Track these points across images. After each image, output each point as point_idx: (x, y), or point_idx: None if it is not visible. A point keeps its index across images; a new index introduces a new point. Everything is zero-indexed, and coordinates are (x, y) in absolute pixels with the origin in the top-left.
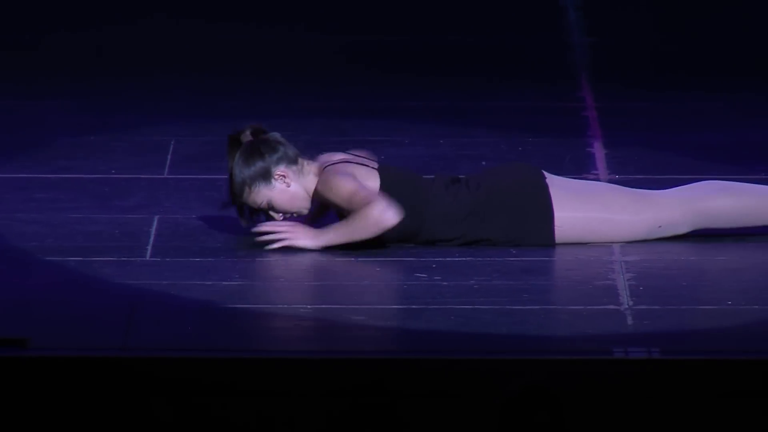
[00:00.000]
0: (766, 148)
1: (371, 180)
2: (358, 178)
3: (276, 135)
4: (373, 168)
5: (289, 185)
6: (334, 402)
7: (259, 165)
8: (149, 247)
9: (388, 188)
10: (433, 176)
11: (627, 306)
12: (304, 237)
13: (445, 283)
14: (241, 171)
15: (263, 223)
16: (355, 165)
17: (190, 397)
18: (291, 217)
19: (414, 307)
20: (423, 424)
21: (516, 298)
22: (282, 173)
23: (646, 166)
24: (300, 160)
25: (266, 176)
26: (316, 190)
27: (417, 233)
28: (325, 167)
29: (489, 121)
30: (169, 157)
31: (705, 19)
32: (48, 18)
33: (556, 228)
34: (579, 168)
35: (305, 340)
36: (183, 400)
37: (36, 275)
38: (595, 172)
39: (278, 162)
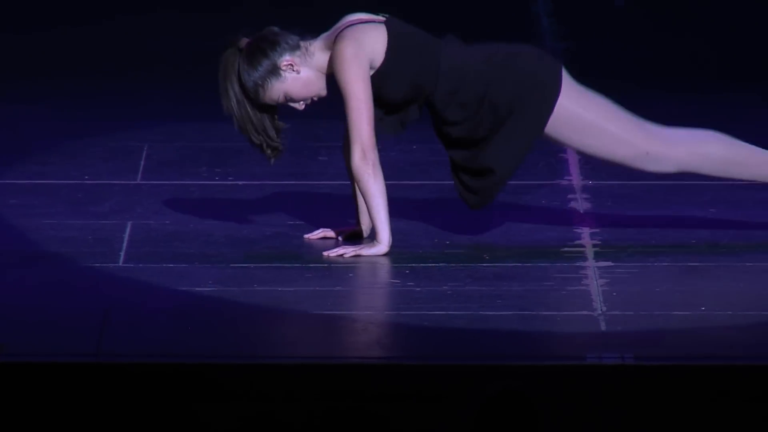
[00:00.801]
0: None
1: (380, 39)
2: (367, 42)
3: (271, 28)
4: (380, 23)
5: (299, 71)
6: (312, 407)
7: (265, 63)
8: (122, 253)
9: (396, 39)
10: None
11: (600, 312)
12: (369, 246)
13: (418, 289)
14: (250, 75)
15: (333, 251)
16: (363, 28)
17: (164, 402)
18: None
19: (387, 313)
20: (399, 428)
21: (489, 304)
22: (288, 62)
23: (620, 172)
24: (302, 43)
25: (275, 71)
26: (329, 65)
27: (428, 86)
28: (336, 40)
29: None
30: (142, 162)
31: (677, 24)
32: (20, 21)
33: (552, 114)
34: (552, 174)
35: (279, 346)
36: (157, 405)
37: (9, 281)
38: (569, 177)
39: (281, 53)
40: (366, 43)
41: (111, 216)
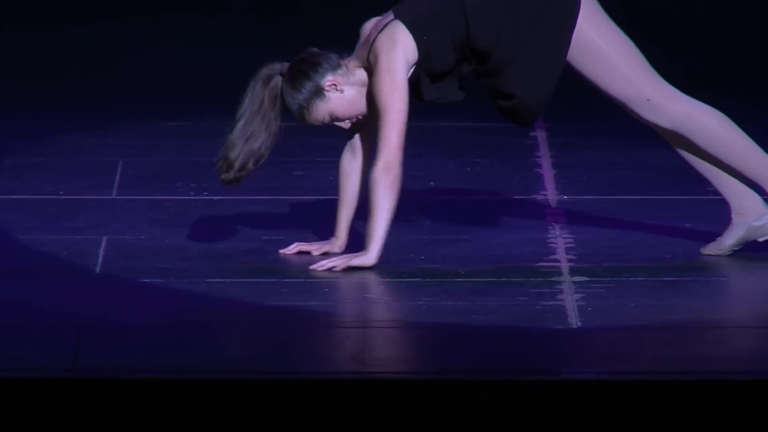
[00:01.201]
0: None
1: (403, 35)
2: (398, 47)
3: (311, 49)
4: (393, 20)
5: (343, 90)
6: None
7: (309, 85)
8: (98, 268)
9: (415, 24)
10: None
11: (575, 326)
12: (358, 259)
13: (394, 304)
14: (294, 98)
15: (318, 265)
16: (388, 35)
17: (139, 418)
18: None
19: (363, 328)
20: None
21: (464, 319)
22: (332, 82)
23: (596, 187)
24: (342, 62)
25: (318, 92)
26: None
27: (464, 36)
28: (370, 54)
29: (437, 141)
30: (117, 177)
31: (653, 37)
32: None
33: (573, 37)
34: (528, 189)
35: (254, 361)
36: (133, 420)
37: None
38: (544, 192)
39: (324, 74)
40: (397, 50)
41: (86, 231)
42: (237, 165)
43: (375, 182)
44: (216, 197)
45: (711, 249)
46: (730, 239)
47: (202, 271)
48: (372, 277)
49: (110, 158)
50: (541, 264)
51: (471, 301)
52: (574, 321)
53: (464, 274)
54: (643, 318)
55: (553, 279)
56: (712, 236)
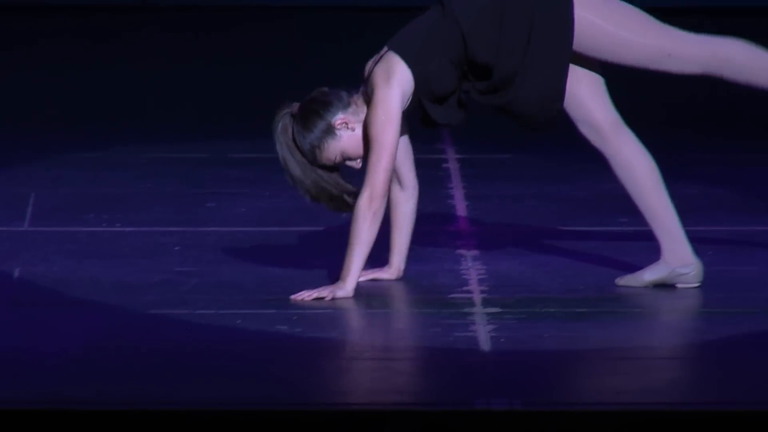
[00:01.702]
0: (627, 199)
1: (399, 68)
2: (395, 79)
3: (321, 89)
4: (388, 53)
5: (354, 128)
6: None
7: (320, 124)
8: (10, 300)
9: (409, 55)
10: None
11: (488, 357)
12: (334, 290)
13: (306, 336)
14: (305, 137)
15: (299, 295)
16: (384, 69)
17: None
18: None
19: (273, 358)
20: None
21: (377, 350)
22: (342, 120)
23: (508, 218)
24: (351, 100)
25: (329, 131)
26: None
27: (462, 54)
28: (368, 87)
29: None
30: (29, 209)
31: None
32: None
33: (575, 23)
34: (440, 220)
35: (166, 392)
36: None
37: None
38: (456, 223)
39: (335, 112)
40: (392, 82)
41: None
42: (342, 197)
43: (357, 213)
44: (128, 229)
45: (628, 281)
46: (650, 276)
47: (114, 303)
48: (283, 309)
49: (22, 190)
50: (454, 295)
51: None
52: (487, 352)
53: (377, 306)
54: (556, 349)
55: (465, 310)
56: (624, 267)
